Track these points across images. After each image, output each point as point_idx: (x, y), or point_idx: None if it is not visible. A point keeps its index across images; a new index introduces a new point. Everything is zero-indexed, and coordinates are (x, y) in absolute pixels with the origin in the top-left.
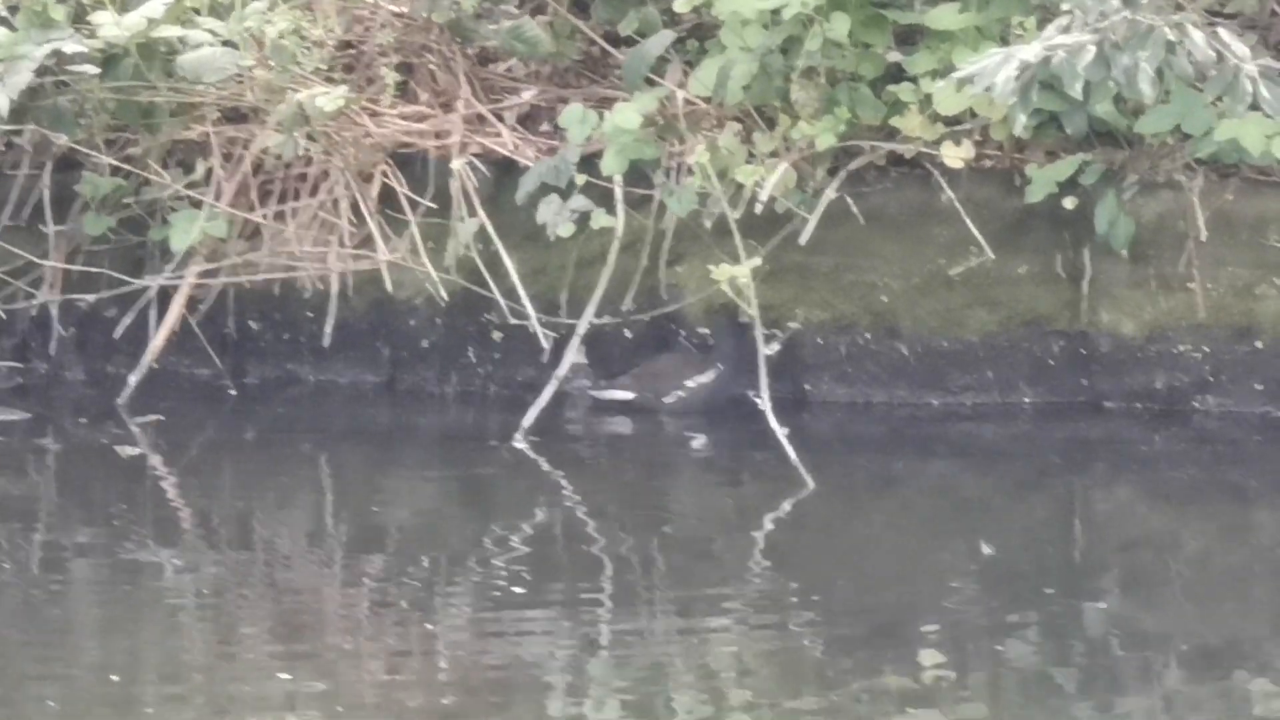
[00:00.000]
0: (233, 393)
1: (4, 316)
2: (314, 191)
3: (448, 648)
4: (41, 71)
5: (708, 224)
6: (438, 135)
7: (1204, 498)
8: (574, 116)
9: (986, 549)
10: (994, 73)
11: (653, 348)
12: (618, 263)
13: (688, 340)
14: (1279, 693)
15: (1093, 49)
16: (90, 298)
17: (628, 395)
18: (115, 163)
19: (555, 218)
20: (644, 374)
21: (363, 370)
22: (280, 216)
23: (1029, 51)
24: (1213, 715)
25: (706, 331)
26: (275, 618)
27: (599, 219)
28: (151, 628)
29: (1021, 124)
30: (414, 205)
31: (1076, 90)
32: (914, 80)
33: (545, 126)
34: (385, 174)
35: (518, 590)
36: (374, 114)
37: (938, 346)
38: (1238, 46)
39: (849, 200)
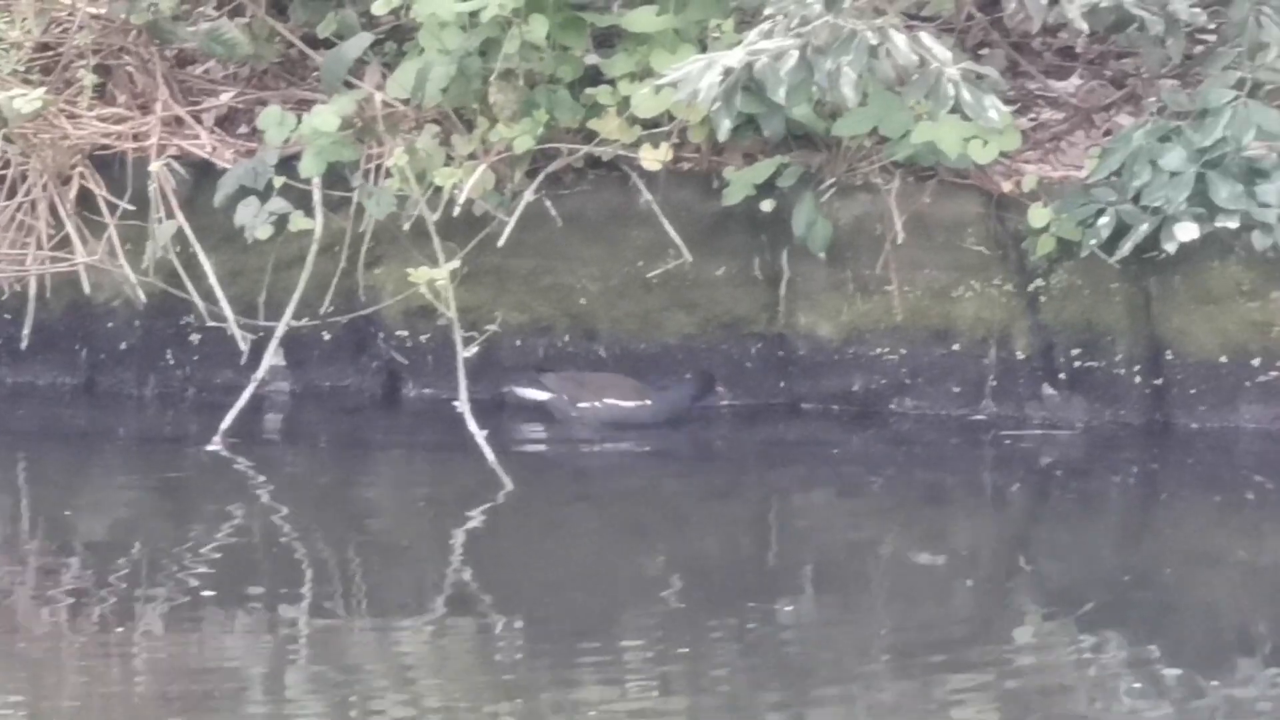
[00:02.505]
0: None
1: None
2: (11, 193)
3: (140, 650)
4: None
5: (406, 226)
6: (136, 137)
7: (901, 499)
8: (272, 119)
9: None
10: (697, 78)
11: (352, 349)
12: (316, 265)
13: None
14: (975, 690)
15: (795, 54)
16: None
17: (543, 395)
18: None
19: (253, 220)
20: (568, 380)
21: (60, 372)
22: None
23: (732, 57)
24: (911, 715)
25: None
26: None
27: (297, 221)
28: None
29: (726, 129)
30: (112, 207)
31: (780, 95)
32: (612, 83)
33: (244, 128)
34: (83, 176)
35: (208, 593)
36: (72, 116)
37: (635, 349)
38: (939, 50)
39: (547, 203)
